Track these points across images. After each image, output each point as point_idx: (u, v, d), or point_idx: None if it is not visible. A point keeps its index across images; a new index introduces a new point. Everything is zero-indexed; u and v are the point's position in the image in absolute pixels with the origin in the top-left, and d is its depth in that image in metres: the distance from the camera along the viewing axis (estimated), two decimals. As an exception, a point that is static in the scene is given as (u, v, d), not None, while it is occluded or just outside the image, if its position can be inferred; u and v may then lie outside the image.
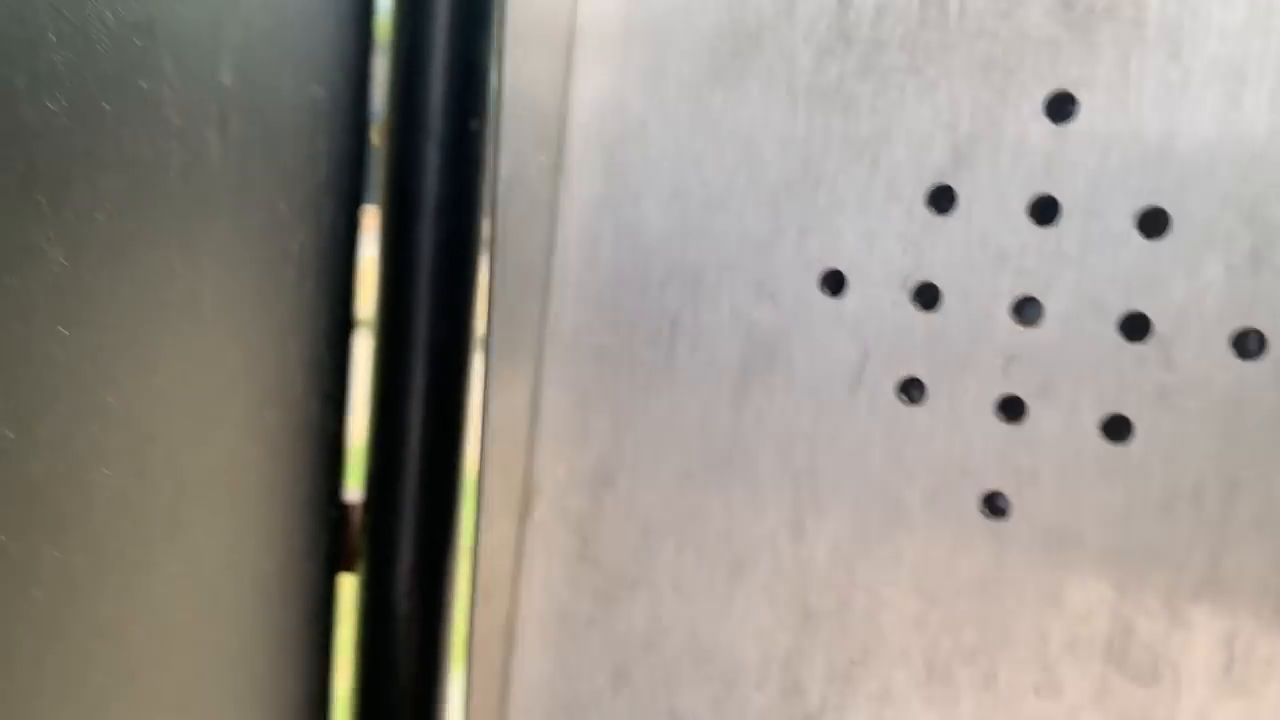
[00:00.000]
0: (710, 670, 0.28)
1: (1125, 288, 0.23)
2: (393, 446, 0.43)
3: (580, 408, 0.29)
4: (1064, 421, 0.24)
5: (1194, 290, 0.23)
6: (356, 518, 0.48)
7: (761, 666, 0.27)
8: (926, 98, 0.25)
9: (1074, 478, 0.24)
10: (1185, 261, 0.23)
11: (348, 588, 0.48)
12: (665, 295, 0.28)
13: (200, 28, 0.33)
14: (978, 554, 0.25)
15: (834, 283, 0.26)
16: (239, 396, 0.38)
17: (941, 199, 0.25)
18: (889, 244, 0.25)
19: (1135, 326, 0.23)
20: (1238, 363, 0.23)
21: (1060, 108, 0.24)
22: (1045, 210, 0.24)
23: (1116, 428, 0.24)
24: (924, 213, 0.25)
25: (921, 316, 0.25)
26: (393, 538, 0.44)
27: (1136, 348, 0.23)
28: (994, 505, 0.25)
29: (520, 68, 0.28)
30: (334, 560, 0.48)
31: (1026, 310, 0.24)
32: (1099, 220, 0.23)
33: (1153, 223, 0.23)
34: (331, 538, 0.48)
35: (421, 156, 0.41)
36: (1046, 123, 0.24)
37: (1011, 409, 0.25)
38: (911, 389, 0.26)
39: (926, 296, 0.25)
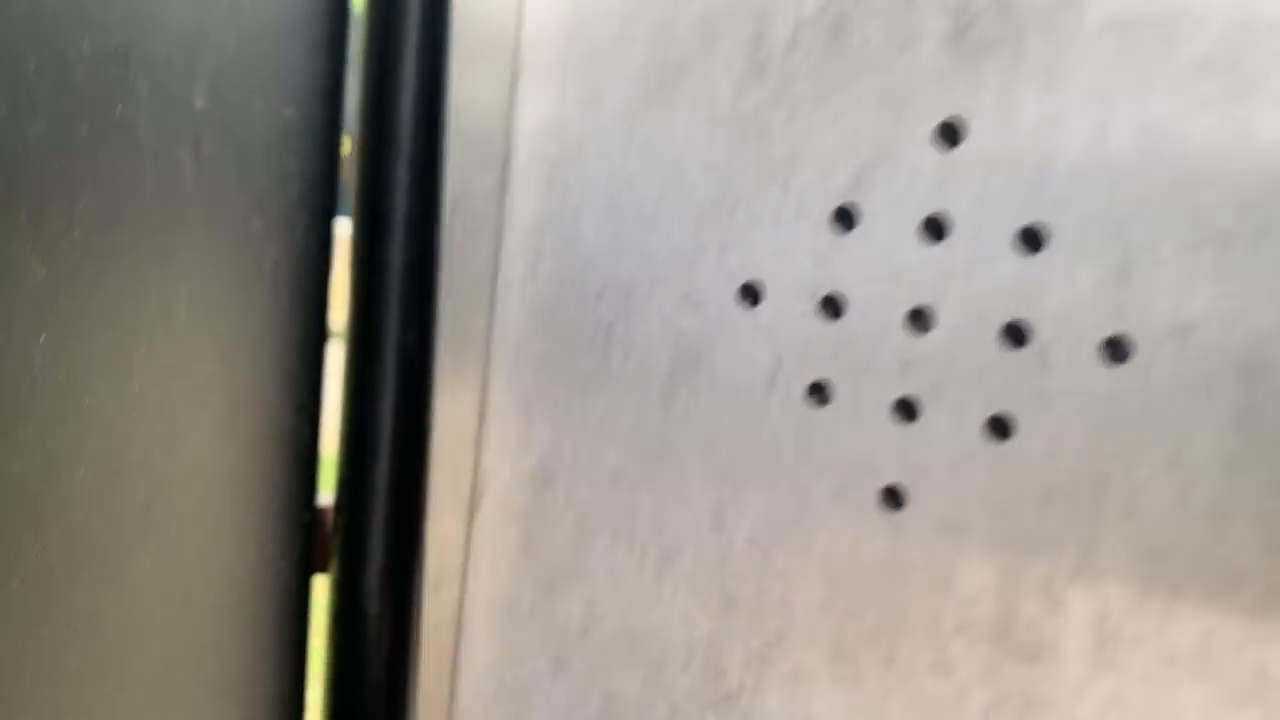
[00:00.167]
0: (640, 654, 0.30)
1: (1007, 299, 0.25)
2: (363, 453, 0.46)
3: (523, 411, 0.31)
4: (953, 421, 0.26)
5: (1068, 301, 0.25)
6: (329, 521, 0.50)
7: (687, 650, 0.29)
8: (832, 125, 0.27)
9: (962, 473, 0.26)
10: (1060, 275, 0.25)
11: (321, 588, 0.50)
12: (600, 306, 0.30)
13: (175, 54, 0.35)
14: (878, 543, 0.27)
15: (751, 294, 0.29)
16: (213, 404, 0.40)
17: (845, 218, 0.27)
18: (799, 259, 0.28)
19: (1016, 334, 0.26)
20: (1106, 367, 0.25)
21: (949, 134, 0.26)
22: (936, 228, 0.26)
23: (1000, 427, 0.26)
24: (829, 231, 0.27)
25: (828, 326, 0.28)
26: (363, 541, 0.46)
27: (1017, 354, 0.26)
28: (892, 498, 0.27)
29: (467, 93, 0.31)
30: (307, 562, 0.50)
31: (920, 320, 0.27)
32: (983, 237, 0.26)
33: (1031, 239, 0.25)
34: (304, 541, 0.50)
35: (392, 174, 0.44)
36: (938, 148, 0.26)
37: (907, 410, 0.27)
38: (819, 392, 0.28)
39: (832, 307, 0.28)
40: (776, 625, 0.28)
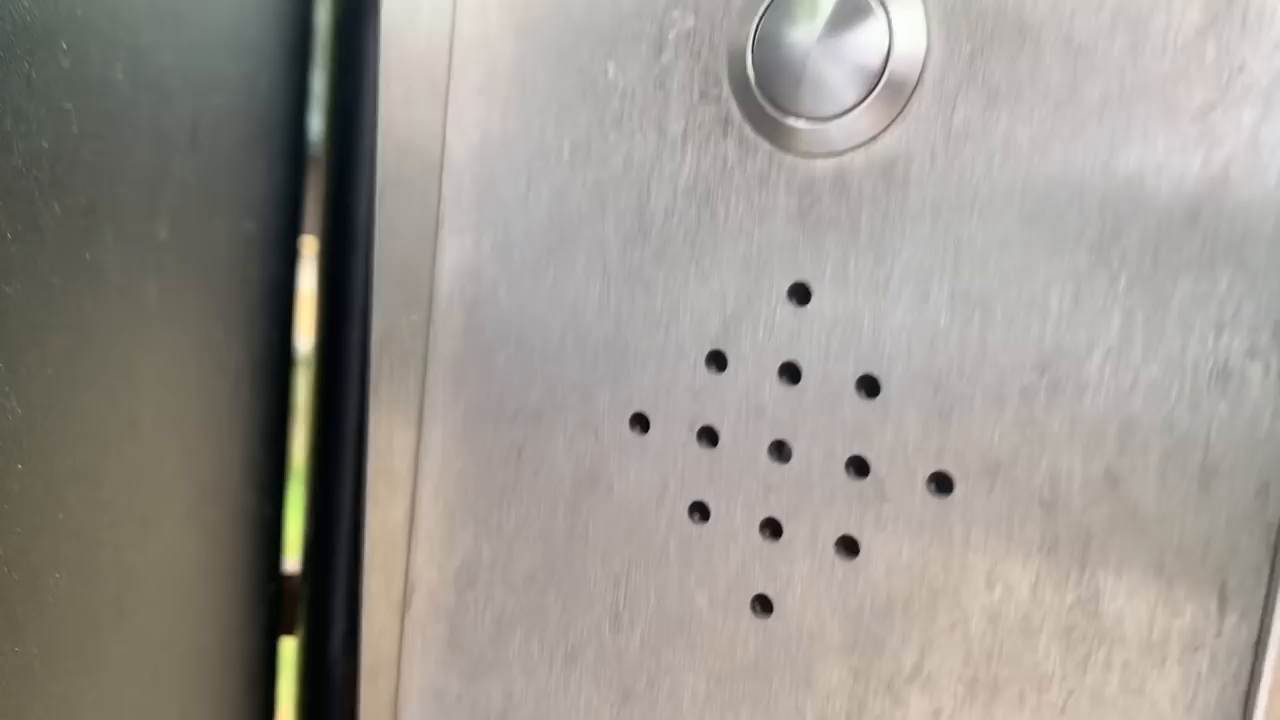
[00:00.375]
0: (551, 739, 0.34)
1: (850, 436, 0.30)
2: (325, 523, 0.49)
3: (448, 520, 0.35)
4: (810, 540, 0.30)
5: (898, 441, 0.29)
6: (295, 585, 0.54)
7: (591, 736, 0.33)
8: (704, 282, 0.31)
9: (819, 585, 0.30)
10: (893, 418, 0.29)
11: (289, 648, 0.54)
12: (512, 429, 0.34)
13: (138, 197, 0.38)
14: (750, 645, 0.31)
15: (641, 423, 0.33)
16: (179, 496, 0.44)
17: (717, 360, 0.31)
18: (680, 395, 0.32)
19: (859, 466, 0.30)
20: (934, 498, 0.29)
21: (800, 294, 0.30)
22: (792, 373, 0.30)
23: (849, 546, 0.30)
24: (704, 371, 0.31)
25: (705, 452, 0.32)
26: (327, 606, 0.50)
27: (860, 483, 0.30)
28: (763, 605, 0.31)
29: (397, 234, 0.35)
30: (274, 627, 0.54)
31: (781, 451, 0.31)
32: (830, 383, 0.30)
33: (869, 387, 0.29)
34: (270, 609, 0.54)
35: (354, 273, 0.48)
36: (790, 306, 0.30)
37: (773, 529, 0.31)
38: (700, 510, 0.32)
39: (709, 437, 0.32)
40: (667, 715, 0.32)
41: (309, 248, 0.51)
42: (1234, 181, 0.25)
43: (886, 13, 0.28)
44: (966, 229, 0.28)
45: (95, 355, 0.36)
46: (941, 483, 0.29)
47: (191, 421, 0.44)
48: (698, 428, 0.32)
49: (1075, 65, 0.27)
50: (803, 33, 0.29)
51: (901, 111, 0.28)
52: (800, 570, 0.30)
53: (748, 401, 0.31)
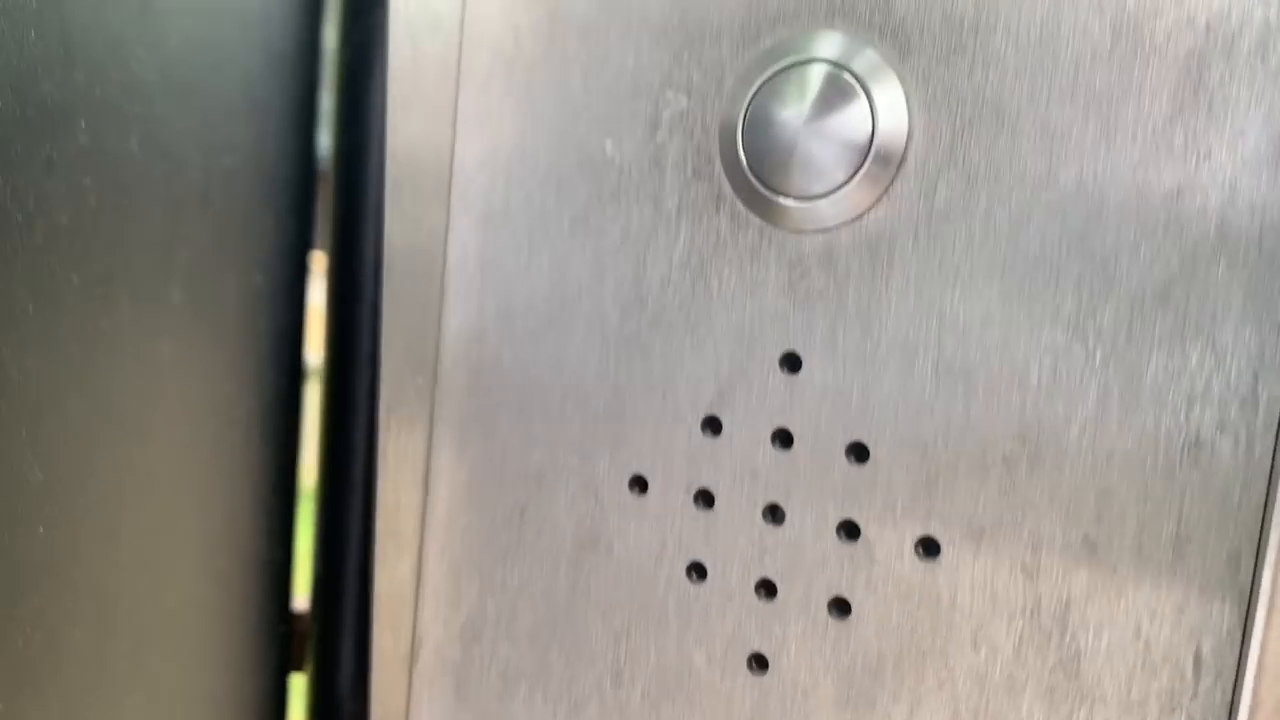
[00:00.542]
0: (555, 791, 0.35)
1: (841, 500, 0.31)
2: (334, 568, 0.51)
3: (453, 576, 0.36)
4: (803, 601, 0.31)
5: (886, 506, 0.30)
6: (305, 624, 0.55)
7: (593, 788, 0.34)
8: (699, 350, 0.32)
9: (813, 644, 0.31)
10: (882, 483, 0.30)
11: (299, 685, 0.55)
12: (516, 489, 0.35)
13: (152, 261, 0.39)
14: (747, 701, 0.32)
15: (640, 485, 0.34)
16: (193, 546, 0.45)
17: (713, 425, 0.32)
18: (677, 458, 0.33)
19: (850, 530, 0.31)
20: (921, 561, 0.30)
21: (791, 363, 0.31)
22: (784, 439, 0.31)
23: (841, 606, 0.31)
24: (700, 436, 0.33)
25: (702, 514, 0.33)
26: (336, 644, 0.51)
27: (851, 546, 0.31)
28: (758, 663, 0.32)
29: (399, 306, 0.36)
30: (284, 664, 0.55)
31: (775, 514, 0.32)
32: (821, 449, 0.31)
33: (858, 453, 0.31)
34: (280, 648, 0.55)
35: (359, 320, 0.49)
36: (782, 374, 0.31)
37: (768, 589, 0.32)
38: (697, 570, 0.33)
39: (705, 499, 0.33)
40: (666, 769, 0.33)
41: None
42: (1203, 262, 0.27)
43: (869, 97, 0.29)
44: (949, 304, 0.29)
45: (112, 417, 0.37)
46: (929, 546, 0.30)
47: (204, 474, 0.45)
48: (695, 490, 0.33)
49: (1051, 150, 0.28)
50: (791, 114, 0.30)
51: (886, 191, 0.29)
52: (794, 630, 0.31)
53: (742, 466, 0.32)
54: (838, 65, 0.30)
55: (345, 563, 0.50)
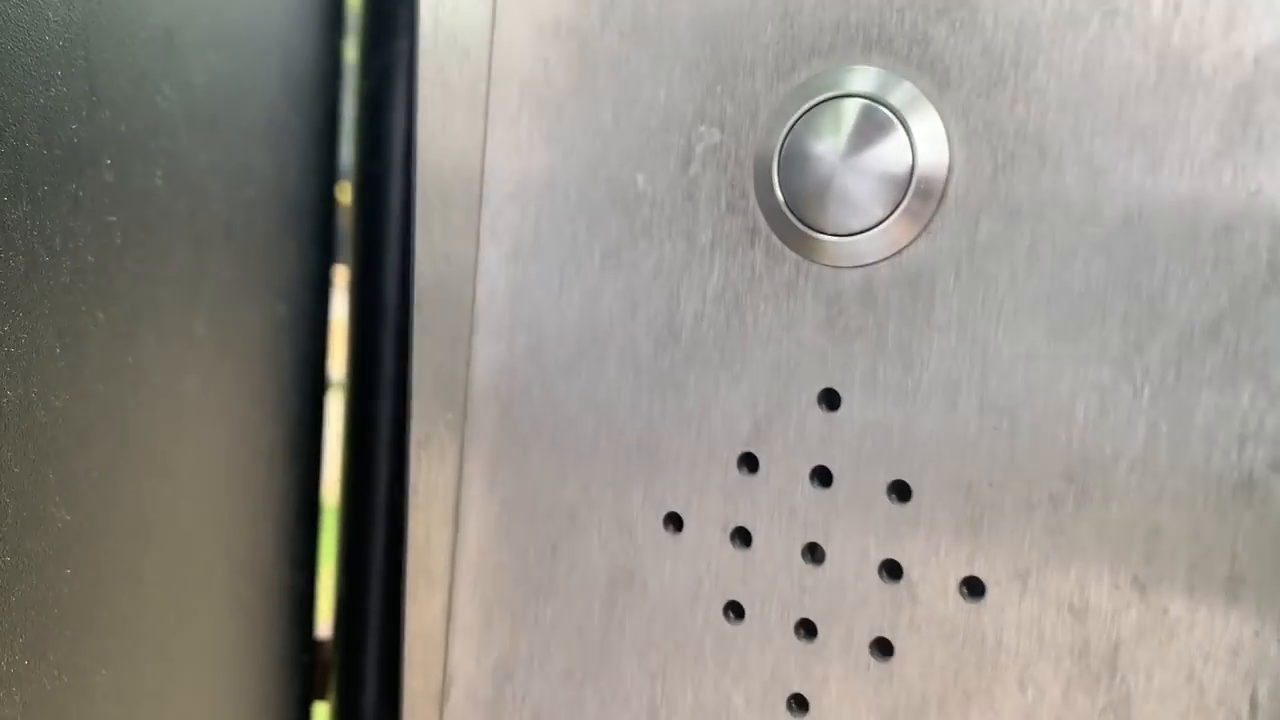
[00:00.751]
0: (590, 832, 0.34)
1: (883, 540, 0.30)
2: (357, 595, 0.50)
3: (484, 614, 0.36)
4: (844, 641, 0.31)
5: (931, 544, 0.30)
6: (327, 652, 0.55)
7: (629, 830, 0.34)
8: (734, 385, 0.32)
9: (854, 685, 0.31)
10: (925, 523, 0.30)
11: (322, 713, 0.55)
12: (547, 526, 0.35)
13: (177, 295, 0.39)
14: (787, 743, 0.32)
15: (675, 522, 0.33)
16: (217, 580, 0.45)
17: (749, 463, 0.32)
18: (713, 496, 0.32)
19: (892, 569, 0.30)
20: (966, 602, 0.29)
21: (830, 399, 0.31)
22: (824, 476, 0.31)
23: (883, 647, 0.31)
24: (736, 472, 0.32)
25: (739, 553, 0.32)
26: (360, 673, 0.51)
27: (893, 586, 0.30)
28: (798, 704, 0.32)
29: (429, 341, 0.36)
30: (307, 693, 0.55)
31: (814, 553, 0.31)
32: (862, 487, 0.30)
33: (900, 491, 0.30)
34: (304, 676, 0.54)
35: (380, 345, 0.49)
36: (821, 411, 0.31)
37: (808, 629, 0.32)
38: (735, 610, 0.33)
39: (742, 538, 0.32)
40: (704, 810, 0.33)
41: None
42: (1254, 298, 0.26)
43: (908, 131, 0.29)
44: (993, 340, 0.29)
45: (138, 454, 0.37)
46: (974, 586, 0.29)
47: (228, 506, 0.44)
48: (731, 528, 0.32)
49: (1095, 184, 0.27)
50: (828, 149, 0.30)
51: (926, 226, 0.29)
52: (835, 671, 0.31)
53: (780, 503, 0.31)
54: (875, 100, 0.29)
55: (368, 590, 0.50)
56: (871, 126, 0.29)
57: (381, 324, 0.48)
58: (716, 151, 0.32)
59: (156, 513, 0.38)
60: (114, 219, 0.34)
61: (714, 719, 0.33)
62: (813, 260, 0.31)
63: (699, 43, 0.31)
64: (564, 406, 0.34)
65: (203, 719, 0.44)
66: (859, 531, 0.30)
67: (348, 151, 0.50)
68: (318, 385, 0.52)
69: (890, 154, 0.29)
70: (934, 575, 0.30)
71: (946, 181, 0.29)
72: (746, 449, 0.32)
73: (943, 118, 0.29)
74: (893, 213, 0.29)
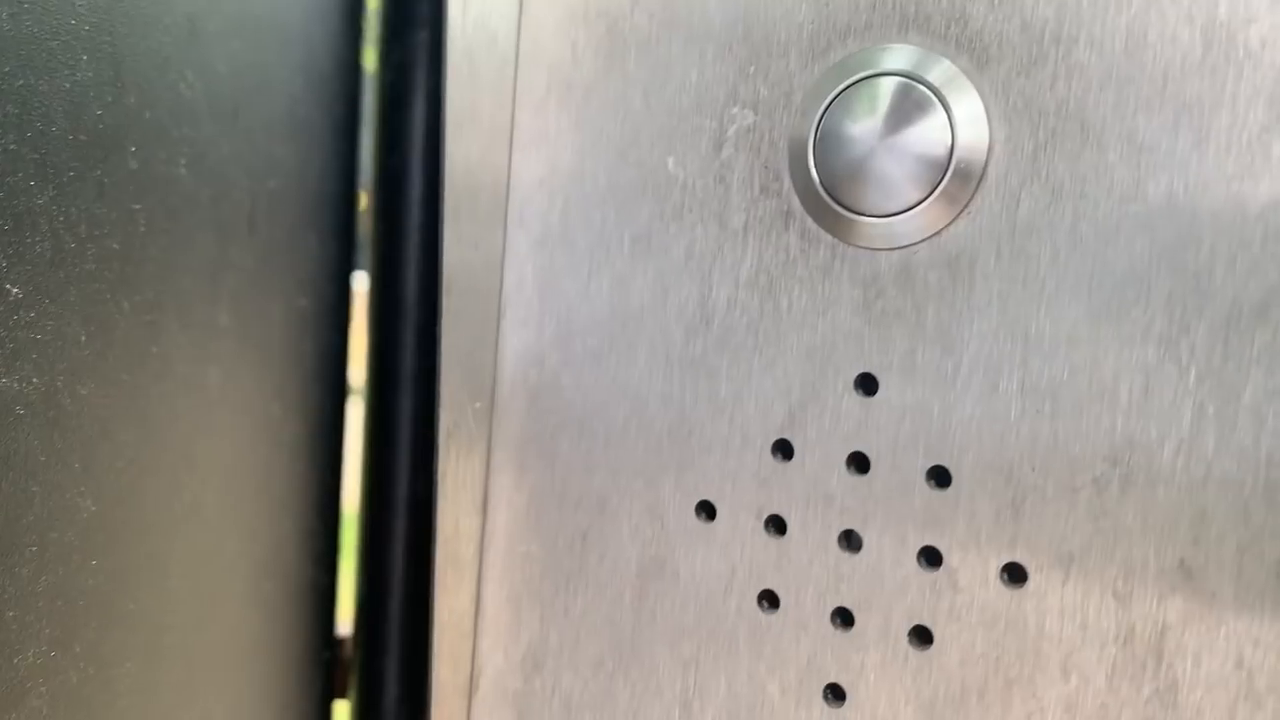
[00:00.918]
0: (622, 825, 0.34)
1: (921, 526, 0.30)
2: (378, 592, 0.50)
3: (513, 605, 0.35)
4: (882, 630, 0.30)
5: (970, 531, 0.29)
6: (348, 650, 0.54)
7: (662, 823, 0.33)
8: (768, 371, 0.31)
9: (893, 674, 0.30)
10: (964, 508, 0.29)
11: (342, 711, 0.54)
12: (577, 514, 0.34)
13: (201, 286, 0.39)
14: (823, 733, 0.31)
15: (707, 511, 0.33)
16: (239, 574, 0.45)
17: (783, 449, 0.32)
18: (746, 483, 0.32)
19: (931, 556, 0.30)
20: (1007, 589, 0.29)
21: (867, 384, 0.30)
22: (860, 463, 0.31)
23: (922, 635, 0.30)
24: (770, 460, 0.32)
25: (774, 541, 0.32)
26: (381, 670, 0.50)
27: (932, 573, 0.30)
28: (835, 693, 0.31)
29: (457, 330, 0.35)
30: (328, 690, 0.55)
31: (850, 540, 0.31)
32: (899, 473, 0.30)
33: (939, 477, 0.30)
34: (325, 674, 0.54)
35: (400, 339, 0.48)
36: (857, 396, 0.30)
37: (844, 618, 0.31)
38: (769, 599, 0.32)
39: (776, 525, 0.32)
40: (739, 802, 0.32)
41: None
42: (1303, 276, 0.26)
43: (948, 110, 0.28)
44: (1034, 321, 0.28)
45: (161, 445, 0.36)
46: (1015, 573, 0.29)
47: (251, 499, 0.44)
48: (765, 516, 0.32)
49: (1139, 162, 0.27)
50: (865, 129, 0.29)
51: (966, 207, 0.29)
52: (873, 659, 0.31)
53: (816, 490, 0.31)
54: (913, 78, 0.29)
55: (390, 587, 0.49)
56: (909, 106, 0.29)
57: (403, 320, 0.48)
58: (750, 133, 0.31)
59: (180, 505, 0.38)
60: (138, 206, 0.34)
61: (749, 709, 0.32)
62: (849, 243, 0.30)
63: (731, 23, 0.31)
64: (593, 394, 0.34)
65: (224, 715, 0.43)
66: (897, 518, 0.30)
67: (369, 146, 0.50)
68: (339, 381, 0.52)
69: (929, 133, 0.29)
70: (974, 562, 0.29)
71: (986, 161, 0.28)
72: (781, 435, 0.31)
73: (982, 96, 0.28)
74: (931, 193, 0.29)
